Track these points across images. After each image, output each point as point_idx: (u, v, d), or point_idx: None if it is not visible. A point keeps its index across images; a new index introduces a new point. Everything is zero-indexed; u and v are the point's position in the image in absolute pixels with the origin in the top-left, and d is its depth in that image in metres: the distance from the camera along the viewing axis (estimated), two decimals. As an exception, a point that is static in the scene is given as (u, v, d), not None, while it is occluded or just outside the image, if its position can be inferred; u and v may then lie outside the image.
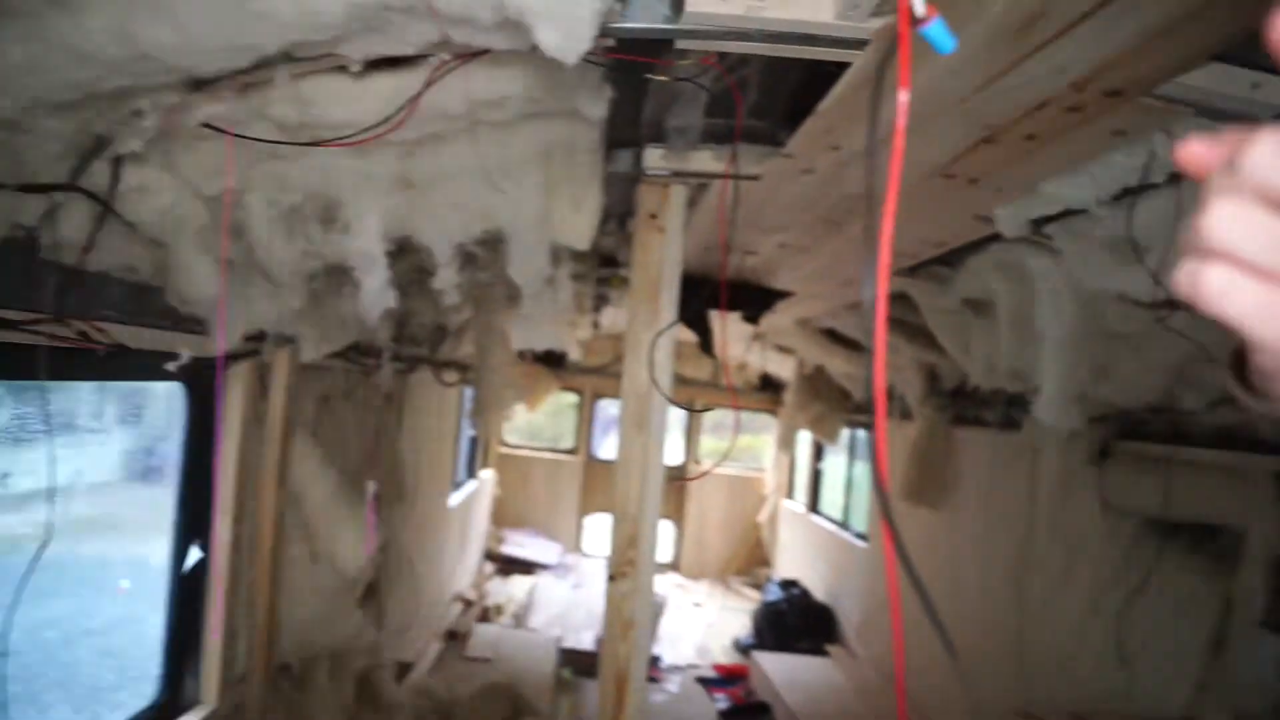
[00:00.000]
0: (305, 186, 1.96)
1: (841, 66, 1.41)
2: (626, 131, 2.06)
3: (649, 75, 1.67)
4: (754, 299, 3.52)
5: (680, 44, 1.43)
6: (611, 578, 2.07)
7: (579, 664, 5.49)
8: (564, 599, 7.13)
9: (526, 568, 7.97)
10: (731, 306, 3.38)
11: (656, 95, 1.91)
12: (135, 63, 1.29)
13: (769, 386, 7.92)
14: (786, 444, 7.55)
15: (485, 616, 6.44)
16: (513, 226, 2.22)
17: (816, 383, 5.88)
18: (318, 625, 2.67)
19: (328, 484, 2.70)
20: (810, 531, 7.41)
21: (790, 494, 8.32)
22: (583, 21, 1.18)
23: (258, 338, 2.36)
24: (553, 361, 7.08)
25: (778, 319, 4.03)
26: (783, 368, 6.66)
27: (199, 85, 1.51)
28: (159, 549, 2.59)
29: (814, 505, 7.63)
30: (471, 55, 1.57)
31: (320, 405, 2.90)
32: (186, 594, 2.32)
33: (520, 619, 6.54)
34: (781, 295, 3.57)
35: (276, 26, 1.28)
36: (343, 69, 1.54)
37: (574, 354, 5.90)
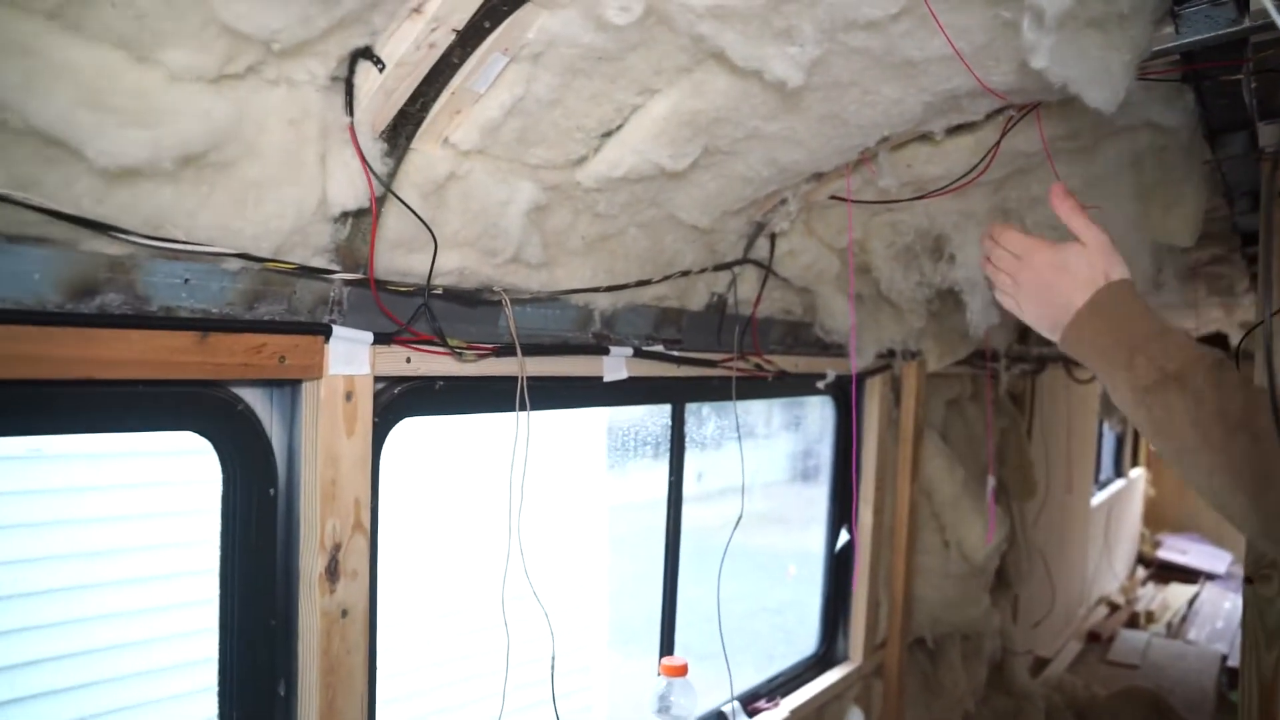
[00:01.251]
0: (915, 228, 2.32)
1: None
2: (1231, 115, 2.01)
3: (1225, 78, 1.67)
4: None
5: (1255, 39, 1.45)
6: (1248, 580, 2.02)
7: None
8: (1232, 613, 6.40)
9: (1188, 575, 7.30)
10: None
11: (1260, 76, 1.85)
12: (780, 176, 1.78)
13: None
14: None
15: (1133, 622, 6.12)
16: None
17: None
18: (947, 606, 3.00)
19: (955, 479, 3.02)
20: None
21: None
22: (1116, 77, 1.32)
23: (888, 355, 2.78)
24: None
25: None
26: None
27: (821, 175, 1.96)
28: (816, 539, 3.16)
29: None
30: (1034, 106, 1.77)
31: (948, 408, 3.24)
32: (838, 570, 2.84)
33: (1176, 629, 6.06)
34: None
35: (871, 129, 1.66)
36: (927, 136, 1.86)
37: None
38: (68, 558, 2.10)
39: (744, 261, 2.12)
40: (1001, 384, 3.15)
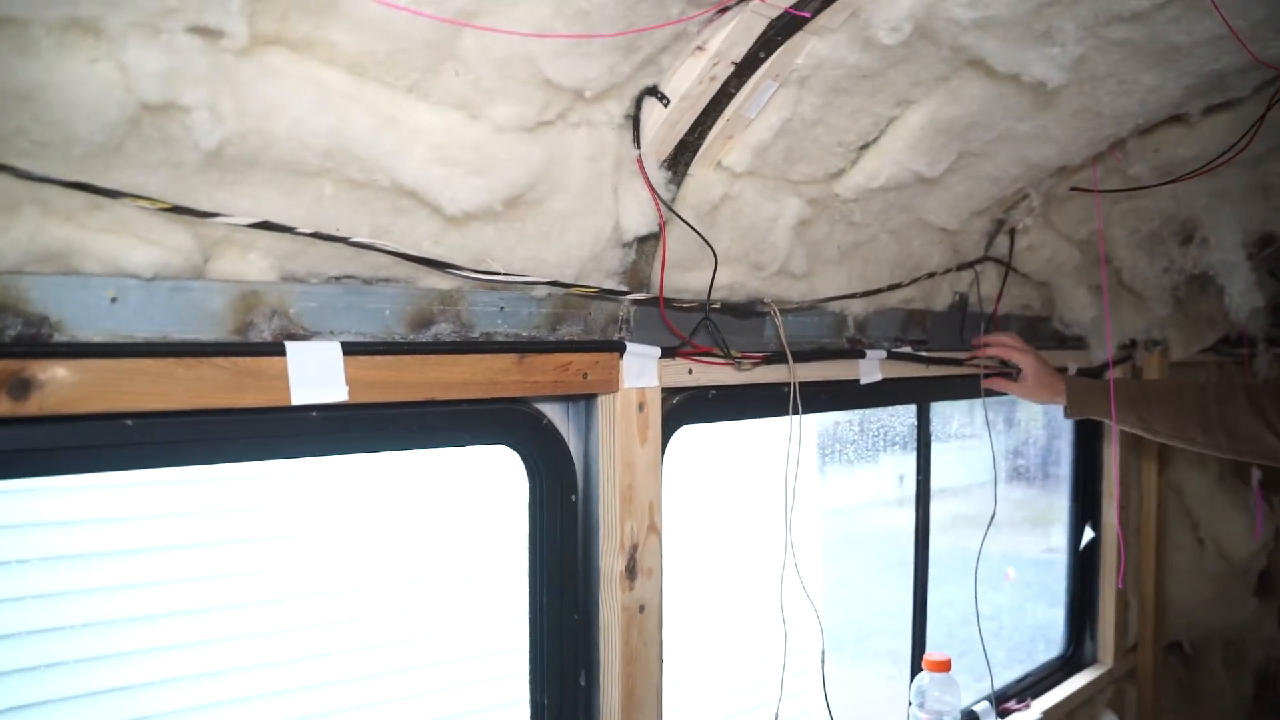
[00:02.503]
0: (1161, 213, 2.25)
1: None
2: None
3: None
4: None
5: None
6: None
7: None
8: None
9: None
10: None
11: None
12: (1028, 173, 1.79)
13: None
14: None
15: None
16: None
17: None
18: (1206, 608, 2.85)
19: (1208, 472, 2.87)
20: None
21: None
22: None
23: (1130, 345, 2.69)
24: None
25: None
26: None
27: (1065, 168, 1.95)
28: (1030, 542, 3.06)
29: None
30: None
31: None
32: (1084, 568, 2.77)
33: None
34: None
35: (1125, 119, 1.65)
36: (1180, 118, 1.82)
37: None
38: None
39: (985, 260, 2.12)
40: (1259, 368, 2.96)
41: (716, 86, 1.35)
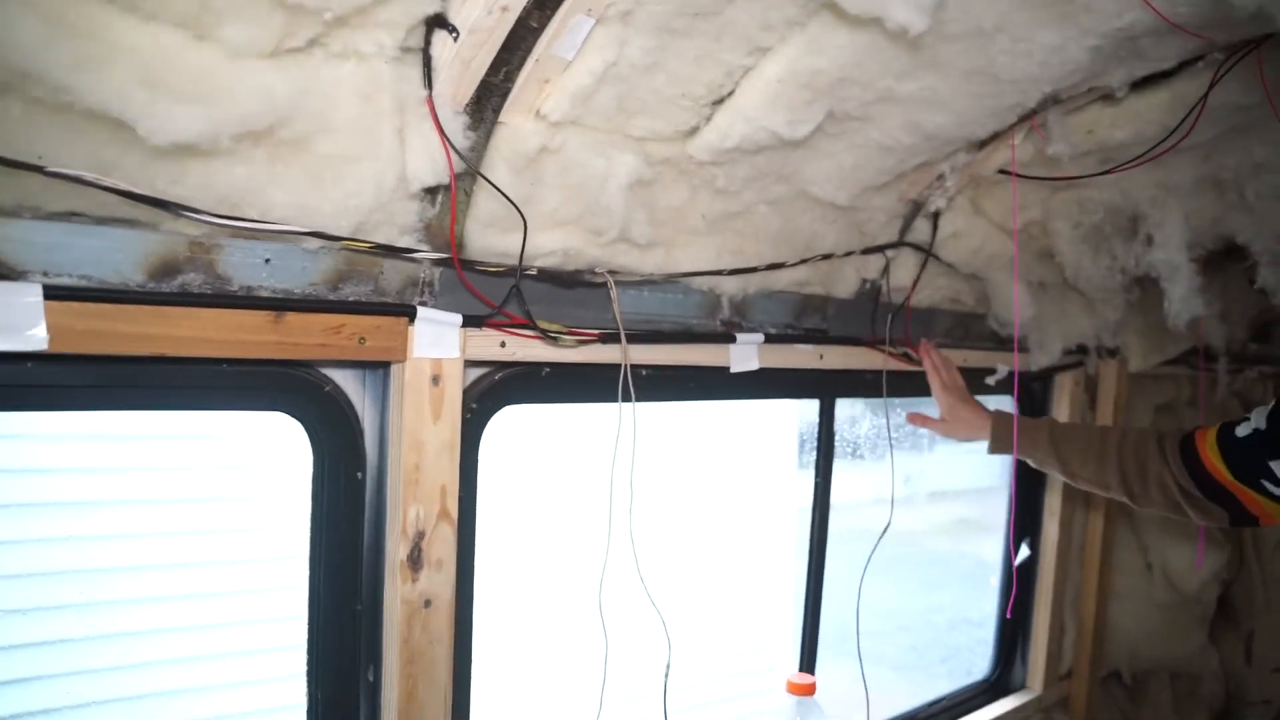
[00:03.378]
0: (1106, 205, 2.03)
1: None
2: None
3: None
4: None
5: None
6: None
7: None
8: None
9: None
10: None
11: None
12: (927, 145, 1.58)
13: None
14: None
15: None
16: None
17: None
18: (1150, 638, 2.62)
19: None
20: None
21: None
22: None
23: (1078, 351, 2.46)
24: None
25: None
26: None
27: (982, 145, 1.74)
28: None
29: None
30: (1253, 47, 1.47)
31: (1158, 414, 2.84)
32: (1017, 588, 2.55)
33: None
34: None
35: (1029, 86, 1.44)
36: (1108, 95, 1.60)
37: None
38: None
39: (899, 245, 1.92)
40: (1219, 389, 2.71)
41: (512, 19, 1.17)
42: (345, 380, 1.38)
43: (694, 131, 1.44)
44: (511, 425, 1.57)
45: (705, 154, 1.45)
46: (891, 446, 2.02)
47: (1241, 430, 1.59)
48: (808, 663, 2.09)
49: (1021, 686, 2.56)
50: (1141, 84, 1.58)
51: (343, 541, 1.38)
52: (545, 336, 1.42)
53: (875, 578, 2.04)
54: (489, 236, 1.40)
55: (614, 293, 1.48)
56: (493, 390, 1.48)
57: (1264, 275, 1.95)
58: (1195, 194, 1.96)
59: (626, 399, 1.50)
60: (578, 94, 1.29)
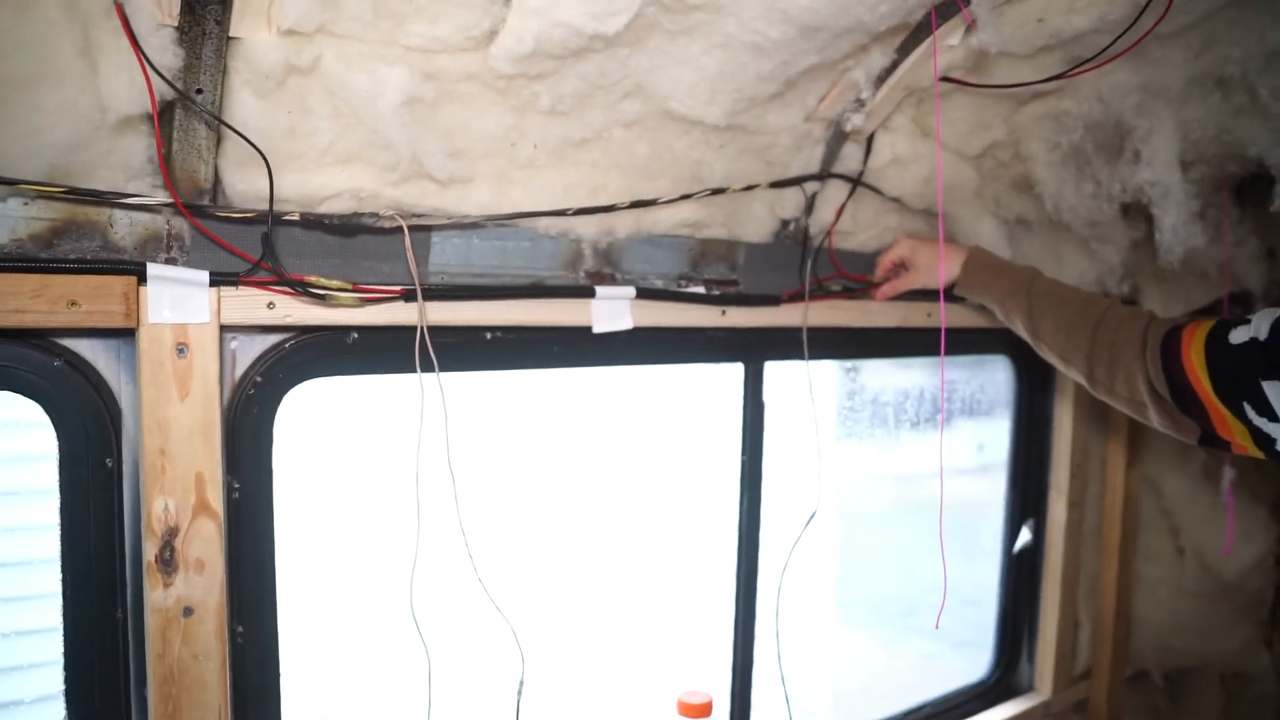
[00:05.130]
0: (1085, 119, 1.67)
1: None
2: None
3: None
4: None
5: None
6: None
7: None
8: None
9: None
10: None
11: None
12: (810, 42, 1.29)
13: None
14: None
15: None
16: None
17: None
18: (1182, 631, 2.24)
19: (1191, 465, 2.25)
20: None
21: None
22: None
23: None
24: None
25: None
26: None
27: (903, 45, 1.41)
28: None
29: None
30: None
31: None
32: (1018, 577, 2.21)
33: None
34: None
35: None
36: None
37: None
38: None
39: (821, 176, 1.61)
40: None
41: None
42: (94, 352, 1.17)
43: (493, 35, 1.18)
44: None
45: (507, 64, 1.18)
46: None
47: (1237, 335, 1.27)
48: (743, 675, 1.81)
49: (1028, 689, 2.22)
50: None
51: (95, 540, 1.17)
52: (306, 293, 1.17)
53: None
54: (253, 178, 1.17)
55: (408, 240, 1.23)
56: (283, 361, 1.26)
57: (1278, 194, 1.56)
58: (1192, 97, 1.59)
59: (426, 368, 1.25)
60: (317, -6, 1.05)
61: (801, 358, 1.70)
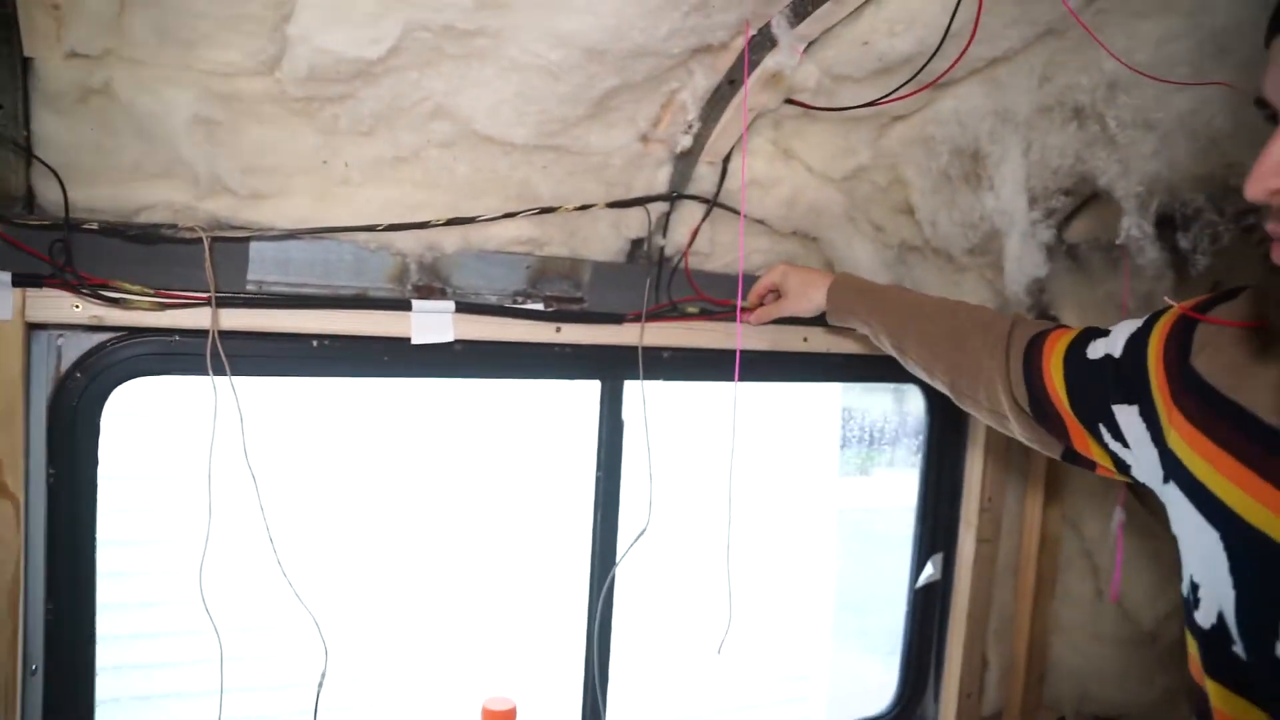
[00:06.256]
0: (950, 144, 1.65)
1: None
2: None
3: None
4: None
5: None
6: None
7: None
8: None
9: None
10: None
11: None
12: (595, 64, 1.31)
13: None
14: None
15: None
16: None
17: None
18: (1102, 678, 2.13)
19: (1114, 508, 2.15)
20: None
21: None
22: None
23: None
24: None
25: None
26: None
27: (733, 72, 1.44)
28: None
29: None
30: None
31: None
32: (926, 611, 2.16)
33: None
34: None
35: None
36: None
37: None
38: None
39: (670, 197, 1.64)
40: None
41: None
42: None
43: (278, 62, 1.26)
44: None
45: (295, 87, 1.27)
46: (648, 440, 1.73)
47: (1095, 350, 1.18)
48: (592, 704, 1.82)
49: (933, 728, 2.16)
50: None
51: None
52: (98, 296, 1.27)
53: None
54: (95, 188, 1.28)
55: (207, 250, 1.32)
56: (104, 359, 1.36)
57: (1126, 226, 1.50)
58: (1044, 124, 1.56)
59: (218, 372, 1.33)
60: (97, 20, 1.15)
61: (657, 378, 1.73)
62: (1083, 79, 1.51)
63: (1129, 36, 1.45)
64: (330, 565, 2.78)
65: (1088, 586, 2.16)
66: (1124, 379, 1.11)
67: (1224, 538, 0.92)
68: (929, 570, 2.11)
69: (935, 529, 2.14)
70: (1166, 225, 1.63)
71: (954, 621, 2.13)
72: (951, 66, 1.39)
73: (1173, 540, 1.02)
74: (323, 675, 1.45)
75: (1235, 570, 0.90)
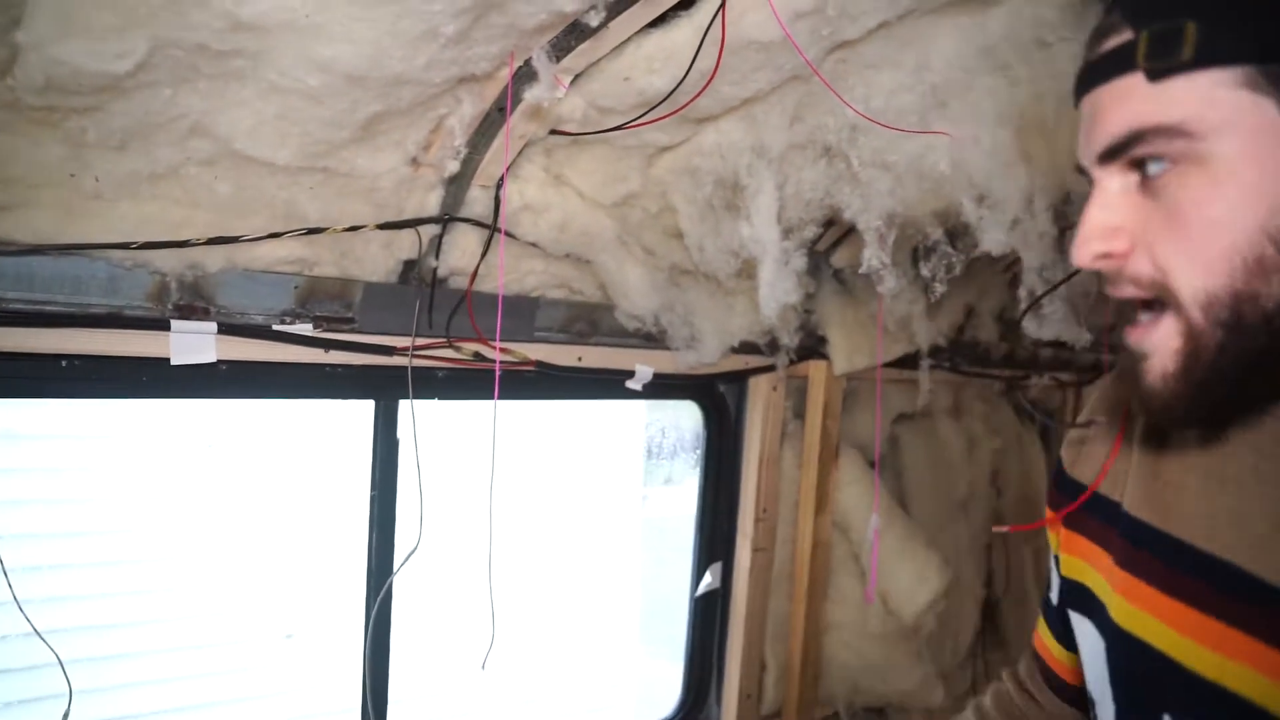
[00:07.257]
0: (714, 175, 1.77)
1: None
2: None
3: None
4: None
5: None
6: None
7: None
8: None
9: None
10: None
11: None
12: (356, 89, 1.32)
13: None
14: None
15: None
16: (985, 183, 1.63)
17: None
18: (869, 672, 2.32)
19: (894, 515, 2.35)
20: None
21: None
22: None
23: (765, 349, 2.18)
24: None
25: None
26: None
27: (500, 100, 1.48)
28: None
29: None
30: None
31: (899, 424, 2.56)
32: (706, 618, 2.27)
33: None
34: None
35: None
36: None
37: None
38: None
39: (441, 220, 1.66)
40: (920, 394, 2.38)
41: None
42: None
43: (9, 68, 1.20)
44: None
45: (31, 96, 1.21)
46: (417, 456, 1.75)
47: (1055, 592, 1.11)
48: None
49: (714, 729, 2.27)
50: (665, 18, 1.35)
51: None
52: None
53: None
54: None
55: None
56: None
57: (867, 257, 1.67)
58: (798, 159, 1.70)
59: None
60: None
61: (430, 397, 1.75)
62: (829, 120, 1.66)
63: (866, 85, 1.61)
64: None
65: (857, 587, 2.33)
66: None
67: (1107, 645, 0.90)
68: (708, 579, 2.22)
69: (714, 539, 2.25)
70: (918, 255, 1.81)
71: (733, 627, 2.24)
72: (691, 101, 1.49)
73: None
74: (65, 715, 1.37)
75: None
